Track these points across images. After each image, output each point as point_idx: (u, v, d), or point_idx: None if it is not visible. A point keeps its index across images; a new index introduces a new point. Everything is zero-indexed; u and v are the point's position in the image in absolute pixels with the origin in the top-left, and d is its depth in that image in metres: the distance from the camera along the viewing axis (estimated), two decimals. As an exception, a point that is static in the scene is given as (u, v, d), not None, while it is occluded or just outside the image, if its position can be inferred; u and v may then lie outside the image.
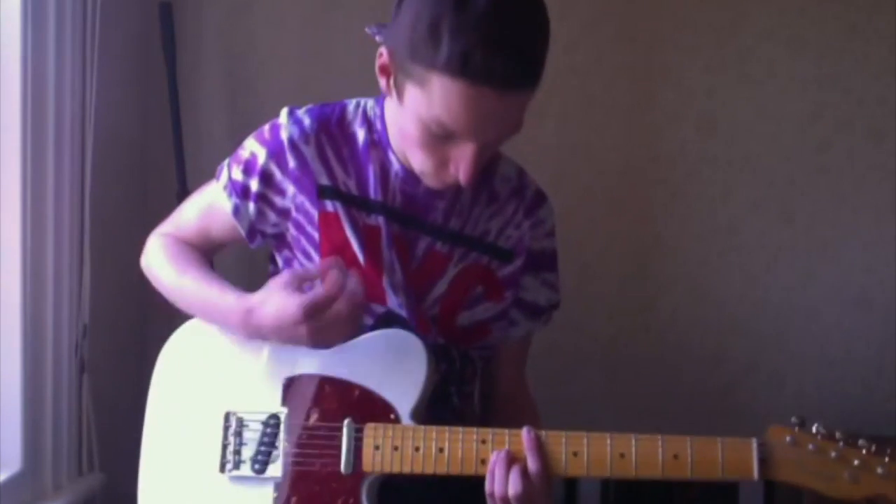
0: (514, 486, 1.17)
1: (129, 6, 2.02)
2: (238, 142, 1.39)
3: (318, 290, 1.20)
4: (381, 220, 1.30)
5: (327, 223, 1.30)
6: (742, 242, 2.21)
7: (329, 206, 1.30)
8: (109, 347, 1.93)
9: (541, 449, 1.18)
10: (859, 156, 2.18)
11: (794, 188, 2.20)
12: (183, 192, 2.02)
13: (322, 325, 1.19)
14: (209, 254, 1.45)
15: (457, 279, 1.33)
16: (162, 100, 2.06)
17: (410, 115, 1.16)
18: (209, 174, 1.49)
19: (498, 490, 1.18)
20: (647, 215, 2.22)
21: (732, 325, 2.23)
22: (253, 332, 1.27)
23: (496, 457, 1.19)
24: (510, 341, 1.41)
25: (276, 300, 1.21)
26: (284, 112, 1.32)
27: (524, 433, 1.19)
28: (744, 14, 2.16)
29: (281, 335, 1.23)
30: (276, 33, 2.16)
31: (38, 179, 1.64)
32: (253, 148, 1.33)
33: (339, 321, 1.20)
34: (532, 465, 1.17)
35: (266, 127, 1.33)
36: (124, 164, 2.05)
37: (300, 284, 1.23)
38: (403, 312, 1.31)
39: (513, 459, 1.18)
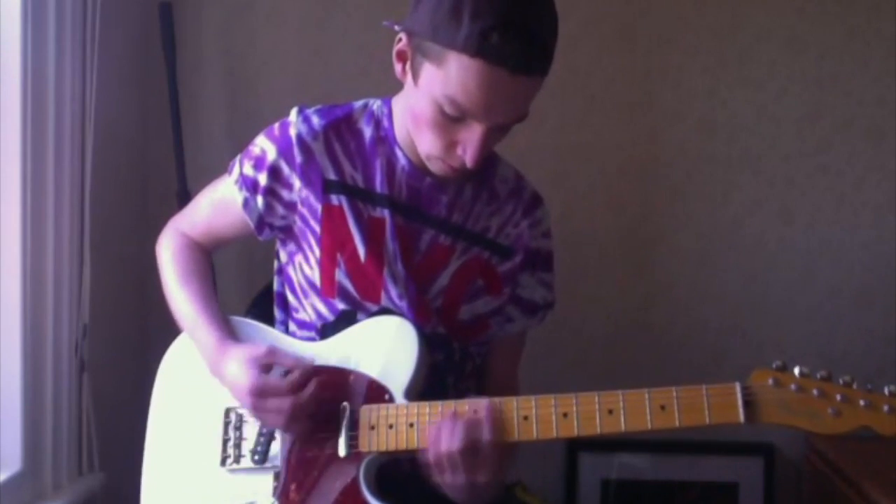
0: (457, 441, 1.17)
1: (129, 6, 2.01)
2: (238, 141, 1.40)
3: (273, 379, 1.25)
4: (386, 212, 1.34)
5: (330, 217, 1.34)
6: (742, 242, 2.22)
7: (334, 200, 1.34)
8: (109, 347, 1.92)
9: (496, 420, 1.19)
10: (859, 156, 2.19)
11: (794, 188, 2.20)
12: (183, 192, 2.02)
13: (262, 408, 1.26)
14: (221, 245, 1.50)
15: (459, 272, 1.37)
16: (162, 100, 2.05)
17: (425, 95, 1.20)
18: (209, 174, 1.50)
19: (444, 446, 1.18)
20: (647, 215, 2.22)
21: (732, 325, 2.23)
22: (214, 373, 1.34)
23: (445, 418, 1.20)
24: (507, 336, 1.44)
25: (240, 366, 1.28)
26: (294, 110, 1.37)
27: (484, 402, 1.20)
28: (744, 15, 2.16)
29: (232, 394, 1.31)
30: (276, 33, 2.16)
31: (38, 179, 1.64)
32: (263, 144, 1.37)
33: (279, 414, 1.25)
34: (485, 433, 1.18)
35: (276, 125, 1.38)
36: (124, 164, 2.05)
37: (270, 363, 1.27)
38: (404, 304, 1.33)
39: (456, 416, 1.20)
